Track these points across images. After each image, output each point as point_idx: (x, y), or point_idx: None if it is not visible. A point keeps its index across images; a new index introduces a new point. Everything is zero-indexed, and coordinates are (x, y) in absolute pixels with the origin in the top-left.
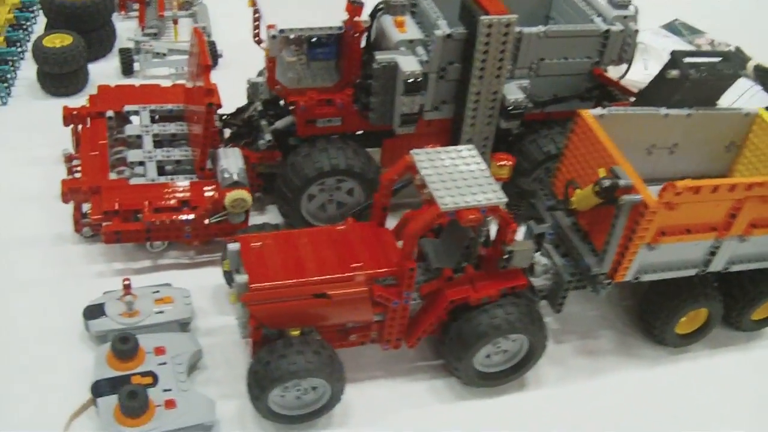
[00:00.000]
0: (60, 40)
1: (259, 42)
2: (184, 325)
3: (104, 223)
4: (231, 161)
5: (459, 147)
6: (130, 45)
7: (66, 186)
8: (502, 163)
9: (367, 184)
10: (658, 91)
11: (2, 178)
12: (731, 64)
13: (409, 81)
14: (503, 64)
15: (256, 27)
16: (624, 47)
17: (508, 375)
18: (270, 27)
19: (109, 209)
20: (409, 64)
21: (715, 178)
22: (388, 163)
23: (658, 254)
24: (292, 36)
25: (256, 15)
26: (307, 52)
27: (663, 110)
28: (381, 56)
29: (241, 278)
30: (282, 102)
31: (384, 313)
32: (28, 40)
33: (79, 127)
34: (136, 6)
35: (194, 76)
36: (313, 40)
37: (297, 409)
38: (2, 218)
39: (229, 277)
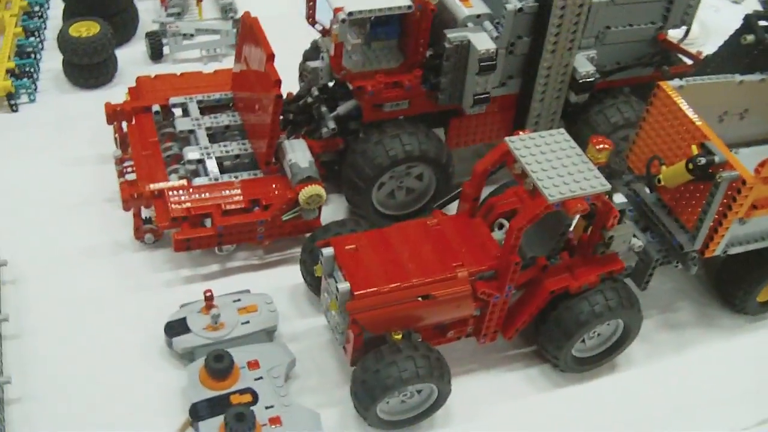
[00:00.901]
0: (86, 29)
1: (313, 23)
2: (270, 333)
3: (173, 231)
4: (299, 154)
5: (551, 131)
6: (155, 27)
7: (126, 193)
8: (601, 146)
9: (440, 168)
10: (729, 57)
11: (47, 183)
12: None
13: (484, 60)
14: (576, 36)
15: (311, 8)
16: (687, 10)
17: (604, 357)
18: (338, 10)
19: (177, 215)
20: (483, 42)
21: None
22: (454, 143)
23: (746, 227)
24: (360, 17)
25: None
26: (368, 32)
27: (738, 77)
28: (452, 34)
29: (343, 286)
30: (332, 84)
31: (483, 308)
32: (45, 28)
33: (123, 124)
34: None
35: (245, 60)
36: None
37: (402, 413)
38: (55, 227)
39: (313, 281)
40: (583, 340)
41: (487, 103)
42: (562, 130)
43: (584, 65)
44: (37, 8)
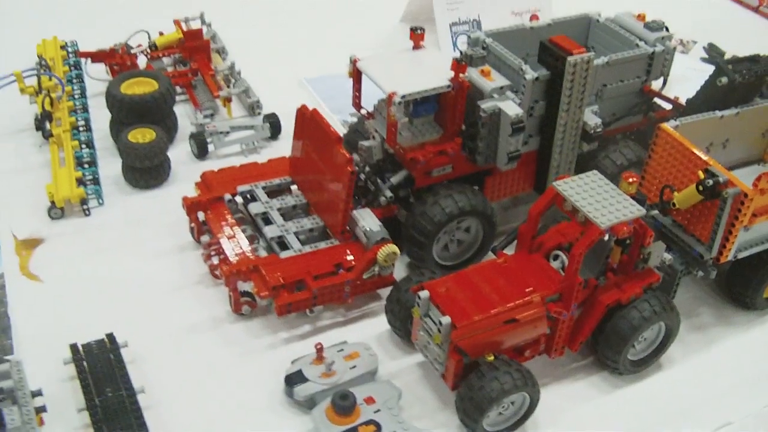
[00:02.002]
0: (141, 135)
1: (359, 108)
2: (373, 374)
3: (274, 299)
4: (369, 221)
5: (587, 174)
6: (192, 129)
7: (228, 271)
8: (631, 180)
9: (486, 219)
10: (707, 98)
11: (138, 274)
12: (762, 65)
13: (515, 123)
14: (584, 96)
15: (357, 96)
16: (664, 63)
17: (652, 358)
18: (392, 95)
19: (275, 284)
20: (512, 109)
21: (754, 162)
22: (489, 198)
23: (750, 233)
24: (410, 99)
25: (357, 84)
26: (410, 110)
27: (718, 113)
28: (485, 105)
29: (446, 319)
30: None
31: (552, 326)
32: (93, 138)
33: (200, 214)
34: (178, 89)
35: (306, 146)
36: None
37: (501, 423)
38: (157, 311)
39: (402, 326)
40: (634, 345)
41: (518, 159)
42: (595, 171)
43: (592, 119)
44: (82, 122)
